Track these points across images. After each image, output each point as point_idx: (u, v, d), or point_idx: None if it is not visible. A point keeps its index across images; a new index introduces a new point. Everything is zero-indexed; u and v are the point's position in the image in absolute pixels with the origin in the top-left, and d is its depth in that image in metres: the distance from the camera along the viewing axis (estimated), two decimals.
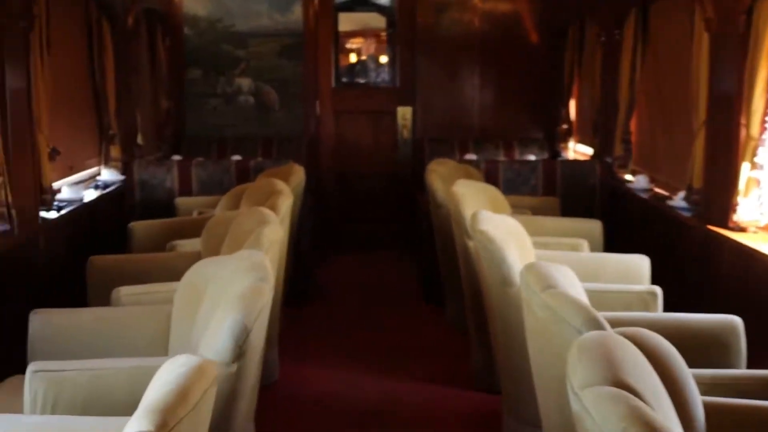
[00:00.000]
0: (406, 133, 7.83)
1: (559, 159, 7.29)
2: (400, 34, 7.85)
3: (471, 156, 7.25)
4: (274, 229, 3.75)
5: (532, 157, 7.24)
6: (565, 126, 7.56)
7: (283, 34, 7.73)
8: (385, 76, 8.64)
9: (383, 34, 8.88)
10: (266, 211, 4.02)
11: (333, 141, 7.89)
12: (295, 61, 7.75)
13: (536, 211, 5.40)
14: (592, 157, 6.46)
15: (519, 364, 3.27)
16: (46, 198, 4.71)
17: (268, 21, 7.70)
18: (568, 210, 5.69)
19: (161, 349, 3.12)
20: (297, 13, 7.70)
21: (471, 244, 3.99)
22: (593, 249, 4.65)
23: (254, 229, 3.68)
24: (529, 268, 2.84)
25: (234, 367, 2.47)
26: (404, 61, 7.85)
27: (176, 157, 6.82)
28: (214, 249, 4.11)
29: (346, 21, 8.94)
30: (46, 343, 3.18)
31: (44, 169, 4.66)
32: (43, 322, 3.24)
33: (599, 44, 6.23)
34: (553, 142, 7.72)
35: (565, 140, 7.59)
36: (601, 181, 6.00)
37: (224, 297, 2.77)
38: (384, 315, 5.83)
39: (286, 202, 4.55)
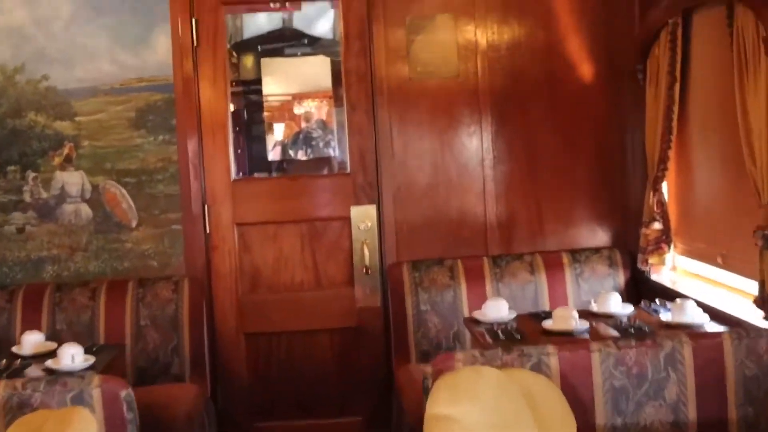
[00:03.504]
0: (367, 255, 4.35)
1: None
2: (351, 83, 4.40)
3: (497, 304, 3.77)
4: None
5: (599, 288, 3.90)
6: (655, 224, 4.11)
7: (140, 88, 4.27)
8: (332, 150, 5.26)
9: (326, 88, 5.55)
10: None
11: (237, 278, 4.38)
12: (162, 136, 4.28)
13: None
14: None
15: None
16: None
17: (111, 66, 4.25)
18: None
19: None
20: (161, 48, 4.26)
21: None
22: None
23: None
24: None
25: None
26: (357, 126, 4.40)
27: None
28: None
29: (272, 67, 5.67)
30: None
31: None
32: None
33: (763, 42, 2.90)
34: (633, 255, 4.28)
35: (658, 249, 4.13)
36: None
37: None
38: None
39: None
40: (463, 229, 4.42)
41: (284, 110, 6.09)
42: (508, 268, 4.32)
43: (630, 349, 2.62)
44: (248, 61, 5.95)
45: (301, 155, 5.57)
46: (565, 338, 3.34)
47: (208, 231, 4.34)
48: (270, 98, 6.01)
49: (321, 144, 5.42)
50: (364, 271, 4.36)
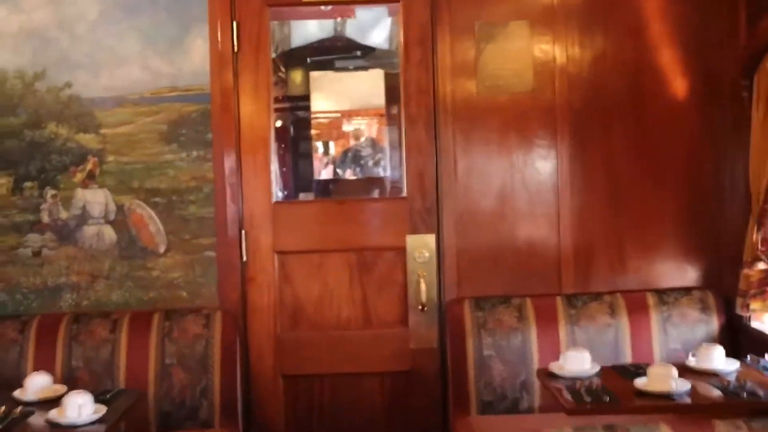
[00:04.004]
0: (424, 290, 3.83)
1: None
2: (410, 95, 3.89)
3: (579, 356, 3.24)
4: None
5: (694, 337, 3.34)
6: (760, 264, 3.54)
7: (173, 98, 3.81)
8: (381, 170, 4.80)
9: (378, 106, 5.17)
10: None
11: (276, 312, 3.89)
12: (196, 152, 3.81)
13: None
14: None
15: None
16: None
17: (141, 73, 3.80)
18: None
19: None
20: (197, 54, 3.80)
21: None
22: None
23: None
24: None
25: None
26: (416, 145, 3.89)
27: None
28: None
29: (322, 82, 5.33)
30: None
31: None
32: None
33: None
34: (728, 298, 3.71)
35: (762, 293, 3.55)
36: None
37: None
38: None
39: None
40: (534, 263, 3.89)
41: (332, 127, 5.71)
42: (585, 309, 3.78)
43: None
44: (296, 74, 5.53)
45: (349, 174, 5.14)
46: (664, 402, 2.79)
47: (244, 259, 3.85)
48: (318, 115, 5.63)
49: (371, 162, 4.96)
50: (420, 308, 3.84)
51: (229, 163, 3.82)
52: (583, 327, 3.74)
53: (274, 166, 3.91)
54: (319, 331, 3.91)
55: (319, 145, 5.46)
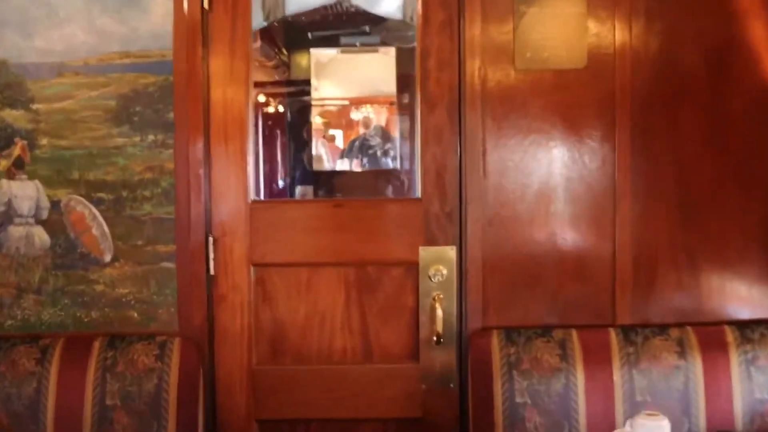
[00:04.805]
0: (440, 316, 2.99)
1: None
2: (428, 70, 3.06)
3: (655, 425, 2.36)
4: None
5: None
6: None
7: (126, 67, 2.99)
8: (390, 161, 4.06)
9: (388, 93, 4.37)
10: None
11: (252, 340, 3.08)
12: (152, 135, 3.00)
13: None
14: None
15: None
16: None
17: (86, 35, 2.98)
18: None
19: None
20: (157, 12, 2.98)
21: None
22: None
23: None
24: None
25: None
26: (435, 132, 3.06)
27: None
28: None
29: (322, 63, 4.57)
30: None
31: None
32: None
33: None
34: None
35: None
36: None
37: None
38: None
39: None
40: (581, 285, 3.07)
41: (338, 116, 4.96)
42: (647, 346, 2.96)
43: None
44: (295, 53, 4.75)
45: (356, 165, 4.38)
46: None
47: (212, 273, 3.04)
48: (322, 102, 4.87)
49: (379, 152, 4.16)
50: (435, 339, 3.01)
51: (194, 151, 3.00)
52: (643, 370, 2.92)
53: (252, 157, 3.07)
54: (305, 364, 3.10)
55: (320, 135, 4.69)
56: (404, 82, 4.29)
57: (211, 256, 3.03)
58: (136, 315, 3.02)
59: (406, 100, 3.94)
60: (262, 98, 3.94)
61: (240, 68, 3.04)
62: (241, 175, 3.04)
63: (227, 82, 3.03)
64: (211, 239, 3.03)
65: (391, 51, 4.56)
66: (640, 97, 3.02)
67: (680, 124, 3.03)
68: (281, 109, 4.84)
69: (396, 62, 4.53)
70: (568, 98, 3.02)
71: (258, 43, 3.75)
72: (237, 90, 3.04)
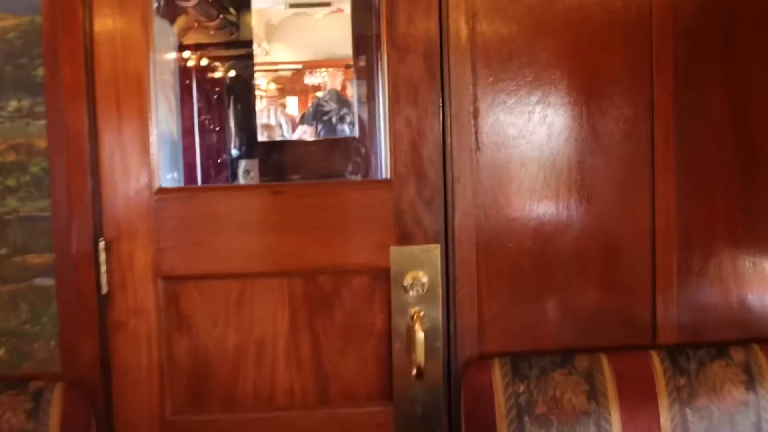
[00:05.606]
0: (421, 342, 2.17)
1: None
2: (399, 6, 2.23)
3: None
4: None
5: None
6: None
7: None
8: (347, 128, 3.36)
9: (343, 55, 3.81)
10: None
11: (162, 382, 2.25)
12: (14, 100, 2.15)
13: None
14: None
15: None
16: None
17: None
18: None
19: None
20: None
21: None
22: None
23: None
24: None
25: None
26: (409, 90, 2.23)
27: None
28: None
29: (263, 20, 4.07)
30: None
31: None
32: None
33: None
34: None
35: None
36: None
37: None
38: None
39: None
40: (609, 292, 2.30)
41: (287, 80, 4.39)
42: (703, 375, 2.20)
43: None
44: (242, 11, 4.11)
45: (310, 134, 3.72)
46: None
47: (105, 290, 2.20)
48: (267, 65, 4.29)
49: (334, 119, 3.42)
50: (415, 373, 2.19)
51: (75, 121, 2.16)
52: (699, 409, 2.14)
53: (155, 126, 2.22)
54: (238, 411, 2.29)
55: (272, 102, 4.11)
56: (361, 42, 3.76)
57: (103, 267, 2.19)
58: (1, 352, 2.19)
59: (362, 62, 3.31)
60: (204, 62, 3.55)
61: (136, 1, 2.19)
62: (143, 152, 2.20)
63: (118, 21, 2.18)
64: (102, 244, 2.19)
65: (347, 7, 4.03)
66: (685, 33, 2.24)
67: (739, 67, 2.26)
68: (220, 74, 4.39)
69: (351, 21, 4.04)
70: (588, 36, 2.23)
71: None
72: (132, 31, 2.19)
